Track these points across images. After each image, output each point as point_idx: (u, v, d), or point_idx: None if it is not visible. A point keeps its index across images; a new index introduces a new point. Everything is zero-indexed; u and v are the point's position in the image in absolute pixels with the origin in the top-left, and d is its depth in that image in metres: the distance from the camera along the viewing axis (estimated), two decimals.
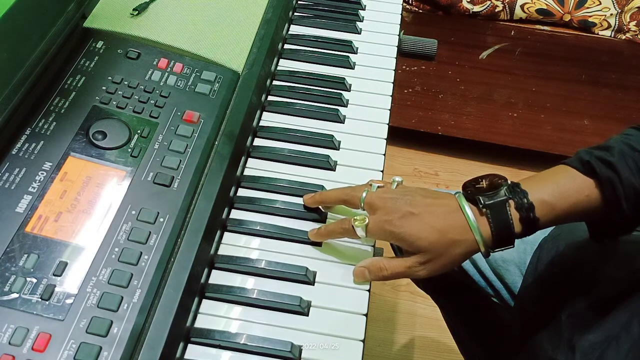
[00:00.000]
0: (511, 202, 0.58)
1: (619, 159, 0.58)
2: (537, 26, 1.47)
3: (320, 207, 0.68)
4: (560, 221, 0.60)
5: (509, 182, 0.60)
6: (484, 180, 0.61)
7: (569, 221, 0.61)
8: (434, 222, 0.59)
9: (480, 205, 0.58)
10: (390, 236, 0.60)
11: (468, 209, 0.59)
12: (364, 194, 0.62)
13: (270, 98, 0.79)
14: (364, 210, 0.63)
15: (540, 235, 0.82)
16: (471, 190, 0.60)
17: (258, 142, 0.74)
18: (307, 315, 0.60)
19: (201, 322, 0.58)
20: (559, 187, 0.59)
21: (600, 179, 0.58)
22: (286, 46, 0.86)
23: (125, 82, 0.68)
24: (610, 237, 0.64)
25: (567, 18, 1.44)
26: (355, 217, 0.61)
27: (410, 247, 0.59)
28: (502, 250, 0.60)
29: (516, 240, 0.59)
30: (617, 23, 1.43)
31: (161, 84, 0.69)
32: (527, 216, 0.58)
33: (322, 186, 0.69)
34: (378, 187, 0.63)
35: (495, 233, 0.58)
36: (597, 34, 1.45)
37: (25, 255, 0.54)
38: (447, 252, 0.59)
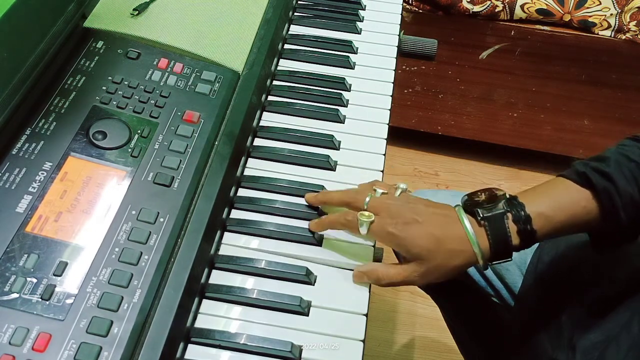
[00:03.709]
0: (509, 214, 0.59)
1: (615, 169, 0.58)
2: (537, 26, 1.47)
3: (321, 207, 0.68)
4: (558, 233, 0.61)
5: (507, 195, 0.61)
6: (482, 194, 0.62)
7: (567, 233, 0.62)
8: (435, 231, 0.59)
9: (479, 218, 0.59)
10: (390, 239, 0.60)
11: (466, 221, 0.59)
12: (368, 199, 0.62)
13: (270, 98, 0.79)
14: None
15: None
16: (470, 203, 0.61)
17: (258, 142, 0.74)
18: (307, 315, 0.60)
19: (201, 322, 0.58)
20: (555, 199, 0.60)
21: (596, 190, 0.58)
22: (286, 46, 0.86)
23: (126, 82, 0.68)
24: (610, 248, 0.64)
25: (567, 18, 1.44)
26: (362, 212, 0.61)
27: (408, 254, 0.60)
28: (500, 263, 0.60)
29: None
30: (617, 23, 1.43)
31: (161, 84, 0.69)
32: (524, 228, 0.58)
33: (322, 186, 0.69)
34: (382, 193, 0.63)
35: (493, 245, 0.59)
36: (597, 34, 1.45)
37: (25, 255, 0.54)
38: (445, 262, 0.59)
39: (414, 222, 0.60)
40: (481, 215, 0.59)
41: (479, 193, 0.62)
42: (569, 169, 0.62)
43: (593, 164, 0.60)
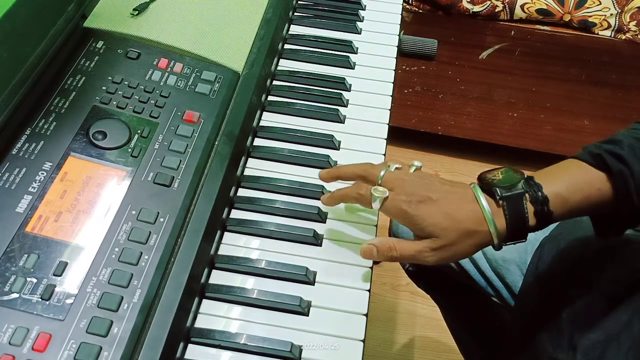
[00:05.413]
0: (527, 195, 0.58)
1: (629, 152, 0.58)
2: (537, 26, 1.47)
3: (323, 206, 0.67)
4: (572, 215, 0.60)
5: (525, 175, 0.60)
6: (499, 172, 0.61)
7: (579, 215, 0.61)
8: (449, 209, 0.58)
9: (497, 197, 0.58)
10: (404, 216, 0.60)
11: (484, 200, 0.59)
12: (383, 172, 0.61)
13: (270, 98, 0.79)
14: None
15: (541, 234, 0.82)
16: (487, 182, 0.60)
17: (258, 142, 0.74)
18: (307, 315, 0.59)
19: (201, 322, 0.58)
20: (571, 180, 0.59)
21: (612, 172, 0.58)
22: (286, 46, 0.86)
23: (126, 82, 0.68)
24: (616, 232, 0.63)
25: (567, 18, 1.44)
26: (376, 187, 0.60)
27: (422, 232, 0.59)
28: (514, 243, 0.60)
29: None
30: (617, 23, 1.43)
31: (161, 84, 0.69)
32: (542, 209, 0.58)
33: (322, 186, 0.69)
34: (396, 168, 0.63)
35: (510, 226, 0.58)
36: (597, 34, 1.45)
37: (25, 255, 0.54)
38: (459, 241, 0.58)
39: (428, 200, 0.59)
40: (500, 195, 0.58)
41: (495, 172, 0.61)
42: (582, 151, 0.61)
43: (607, 146, 0.59)
